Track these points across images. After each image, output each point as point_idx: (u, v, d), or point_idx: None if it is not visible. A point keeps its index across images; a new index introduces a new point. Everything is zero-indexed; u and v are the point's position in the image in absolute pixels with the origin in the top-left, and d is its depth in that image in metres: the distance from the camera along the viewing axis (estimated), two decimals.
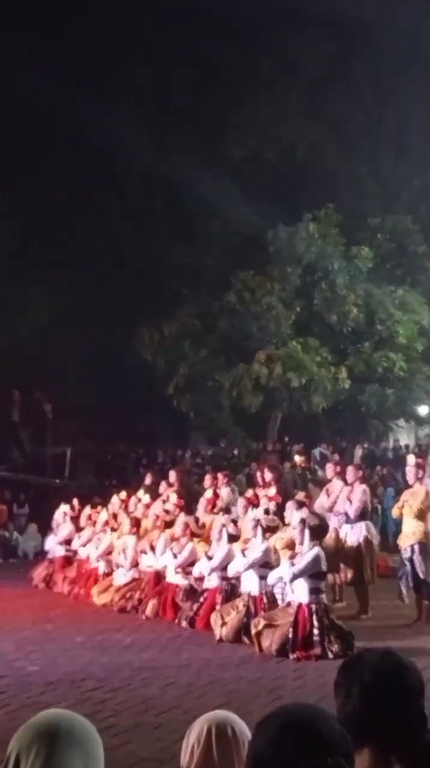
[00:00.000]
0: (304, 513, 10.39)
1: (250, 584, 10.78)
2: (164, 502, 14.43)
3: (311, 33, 29.92)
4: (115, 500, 16.19)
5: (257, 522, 11.09)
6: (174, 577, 12.55)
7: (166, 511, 13.80)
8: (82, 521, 16.37)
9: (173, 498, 14.29)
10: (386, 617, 11.75)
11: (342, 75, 30.79)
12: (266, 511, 11.55)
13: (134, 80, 30.38)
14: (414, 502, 11.45)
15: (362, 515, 12.41)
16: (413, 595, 11.47)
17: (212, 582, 11.71)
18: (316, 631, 9.58)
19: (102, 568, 14.63)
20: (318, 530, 10.25)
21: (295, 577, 9.87)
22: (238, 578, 11.19)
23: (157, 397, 27.74)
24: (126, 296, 29.22)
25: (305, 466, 24.18)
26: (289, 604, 9.97)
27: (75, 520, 16.68)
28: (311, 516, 10.40)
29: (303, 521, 10.16)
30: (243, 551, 10.99)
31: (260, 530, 10.98)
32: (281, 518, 11.39)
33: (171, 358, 26.46)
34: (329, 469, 14.05)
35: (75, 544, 16.19)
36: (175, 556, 12.58)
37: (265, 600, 10.62)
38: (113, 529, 15.04)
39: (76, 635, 11.04)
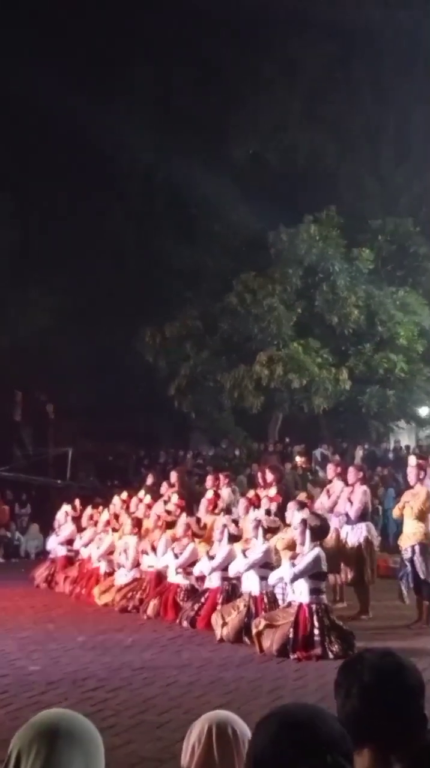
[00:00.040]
0: (305, 513, 10.40)
1: (251, 584, 10.80)
2: (166, 502, 14.44)
3: (311, 34, 29.89)
4: (116, 501, 16.22)
5: (258, 522, 11.11)
6: (175, 578, 12.57)
7: (168, 512, 13.81)
8: (84, 521, 16.38)
9: (175, 498, 14.31)
10: (386, 618, 11.75)
11: (343, 76, 30.77)
12: (268, 512, 11.56)
13: (134, 80, 30.35)
14: (415, 503, 11.45)
15: (362, 516, 12.42)
16: (414, 596, 11.47)
17: (214, 582, 11.72)
18: (316, 632, 9.59)
19: (103, 568, 14.64)
20: (319, 531, 10.27)
21: (295, 577, 9.89)
22: (239, 578, 11.21)
23: (158, 398, 27.75)
24: (127, 297, 29.22)
25: (306, 467, 24.21)
26: (289, 605, 9.98)
27: (77, 520, 16.70)
28: (313, 517, 10.41)
29: (304, 522, 10.18)
30: (244, 552, 11.01)
31: (260, 531, 11.00)
32: (282, 519, 11.40)
33: (172, 359, 26.47)
34: (330, 470, 14.07)
35: (77, 544, 16.21)
36: (176, 556, 12.60)
37: (265, 600, 10.63)
38: (115, 530, 15.06)
39: (77, 635, 11.06)
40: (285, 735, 1.80)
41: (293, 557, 10.16)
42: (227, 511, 13.32)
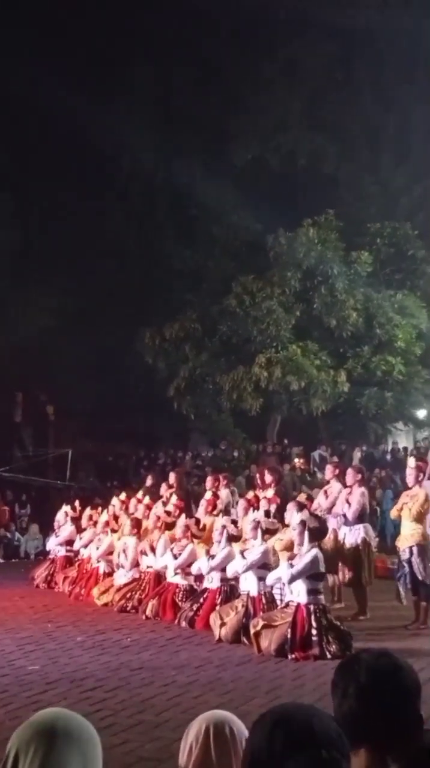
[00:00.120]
0: (304, 515, 10.42)
1: (249, 585, 10.82)
2: (164, 503, 14.46)
3: (311, 35, 29.90)
4: (115, 502, 16.23)
5: (257, 524, 11.12)
6: (174, 578, 12.59)
7: (167, 513, 13.83)
8: (84, 522, 16.40)
9: (174, 499, 14.34)
10: (384, 618, 11.77)
11: (343, 79, 30.79)
12: (267, 514, 11.57)
13: (134, 80, 30.34)
14: (413, 504, 11.46)
15: (360, 517, 12.43)
16: (411, 597, 11.49)
17: (213, 583, 11.74)
18: (314, 632, 9.61)
19: (103, 568, 14.66)
20: (317, 532, 10.30)
21: (293, 578, 9.91)
22: (237, 579, 11.23)
23: (157, 399, 27.74)
24: (127, 298, 29.23)
25: (305, 469, 24.26)
26: (287, 605, 10.00)
27: (76, 520, 16.72)
28: (311, 518, 10.44)
29: (303, 523, 10.20)
30: (242, 552, 11.03)
31: (259, 532, 11.02)
32: (280, 520, 11.42)
33: (172, 361, 26.48)
34: (328, 471, 14.09)
35: (76, 545, 16.24)
36: (175, 557, 12.62)
37: (264, 601, 10.65)
38: (113, 531, 15.08)
39: (76, 635, 11.07)
40: (280, 732, 1.81)
41: (291, 558, 10.19)
42: (226, 512, 13.35)
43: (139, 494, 16.04)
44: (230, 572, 11.29)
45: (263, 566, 10.75)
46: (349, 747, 1.89)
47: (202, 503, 14.19)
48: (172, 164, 28.94)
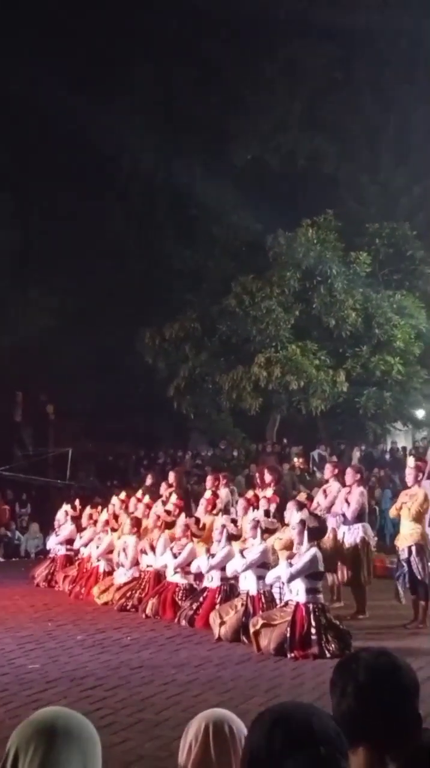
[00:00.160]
0: (304, 514, 10.44)
1: (248, 584, 10.84)
2: (164, 503, 14.47)
3: (311, 35, 29.89)
4: (115, 501, 16.25)
5: (257, 523, 11.14)
6: (174, 577, 12.61)
7: (167, 512, 13.85)
8: (84, 521, 16.43)
9: (174, 498, 14.36)
10: (383, 617, 11.79)
11: (343, 79, 30.78)
12: (266, 513, 11.59)
13: (134, 80, 30.32)
14: (412, 504, 11.48)
15: (359, 517, 12.45)
16: (410, 596, 11.51)
17: (213, 582, 11.76)
18: (313, 631, 9.63)
19: (103, 567, 14.69)
20: (316, 531, 10.32)
21: (293, 577, 9.92)
22: (236, 578, 11.25)
23: (158, 399, 27.74)
24: (127, 298, 29.22)
25: (304, 468, 24.29)
26: (287, 604, 10.02)
27: (76, 519, 16.75)
28: (311, 517, 10.45)
29: (302, 522, 10.22)
30: (242, 551, 11.05)
31: (259, 531, 11.03)
32: (280, 519, 11.43)
33: (172, 361, 26.48)
34: (327, 470, 14.10)
35: (76, 544, 16.26)
36: (175, 556, 12.64)
37: (263, 600, 10.67)
38: (113, 530, 15.10)
39: (76, 633, 11.10)
40: (279, 731, 1.82)
41: (290, 557, 10.20)
42: (225, 511, 13.37)
43: (139, 493, 16.07)
44: (229, 571, 11.31)
45: (263, 565, 10.77)
46: (348, 746, 1.90)
47: (202, 502, 14.21)
48: (172, 164, 28.92)
